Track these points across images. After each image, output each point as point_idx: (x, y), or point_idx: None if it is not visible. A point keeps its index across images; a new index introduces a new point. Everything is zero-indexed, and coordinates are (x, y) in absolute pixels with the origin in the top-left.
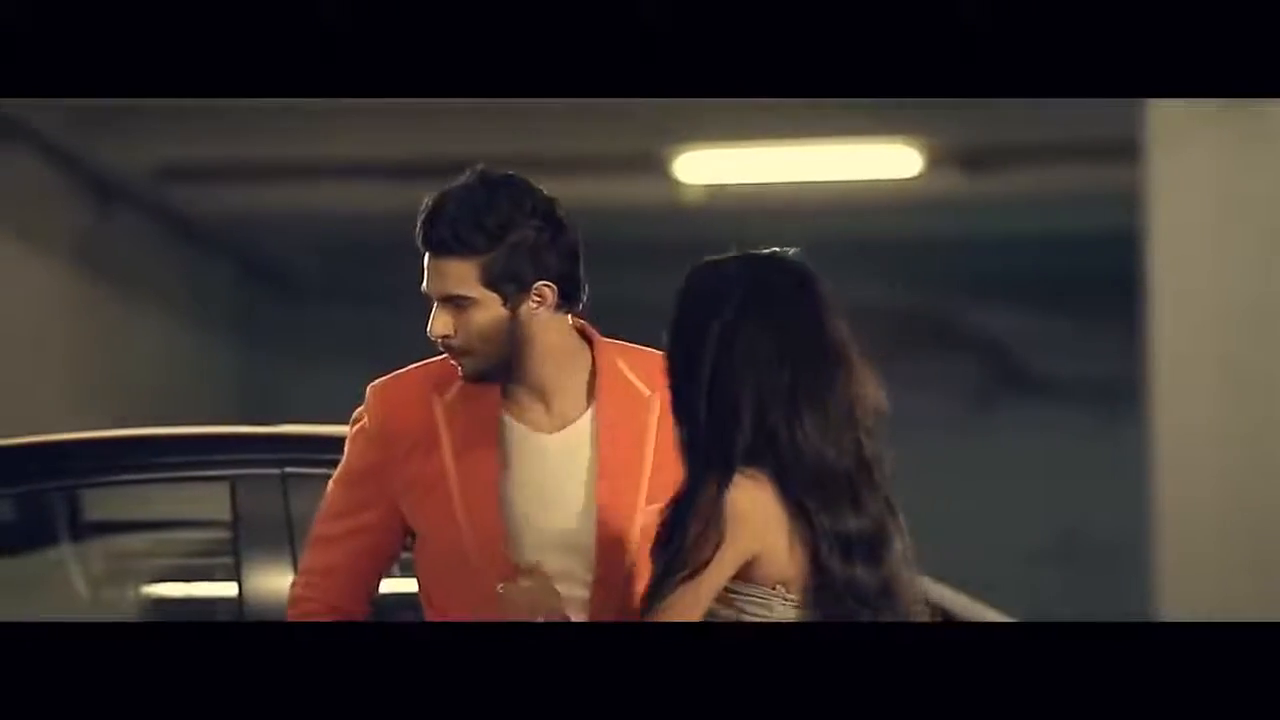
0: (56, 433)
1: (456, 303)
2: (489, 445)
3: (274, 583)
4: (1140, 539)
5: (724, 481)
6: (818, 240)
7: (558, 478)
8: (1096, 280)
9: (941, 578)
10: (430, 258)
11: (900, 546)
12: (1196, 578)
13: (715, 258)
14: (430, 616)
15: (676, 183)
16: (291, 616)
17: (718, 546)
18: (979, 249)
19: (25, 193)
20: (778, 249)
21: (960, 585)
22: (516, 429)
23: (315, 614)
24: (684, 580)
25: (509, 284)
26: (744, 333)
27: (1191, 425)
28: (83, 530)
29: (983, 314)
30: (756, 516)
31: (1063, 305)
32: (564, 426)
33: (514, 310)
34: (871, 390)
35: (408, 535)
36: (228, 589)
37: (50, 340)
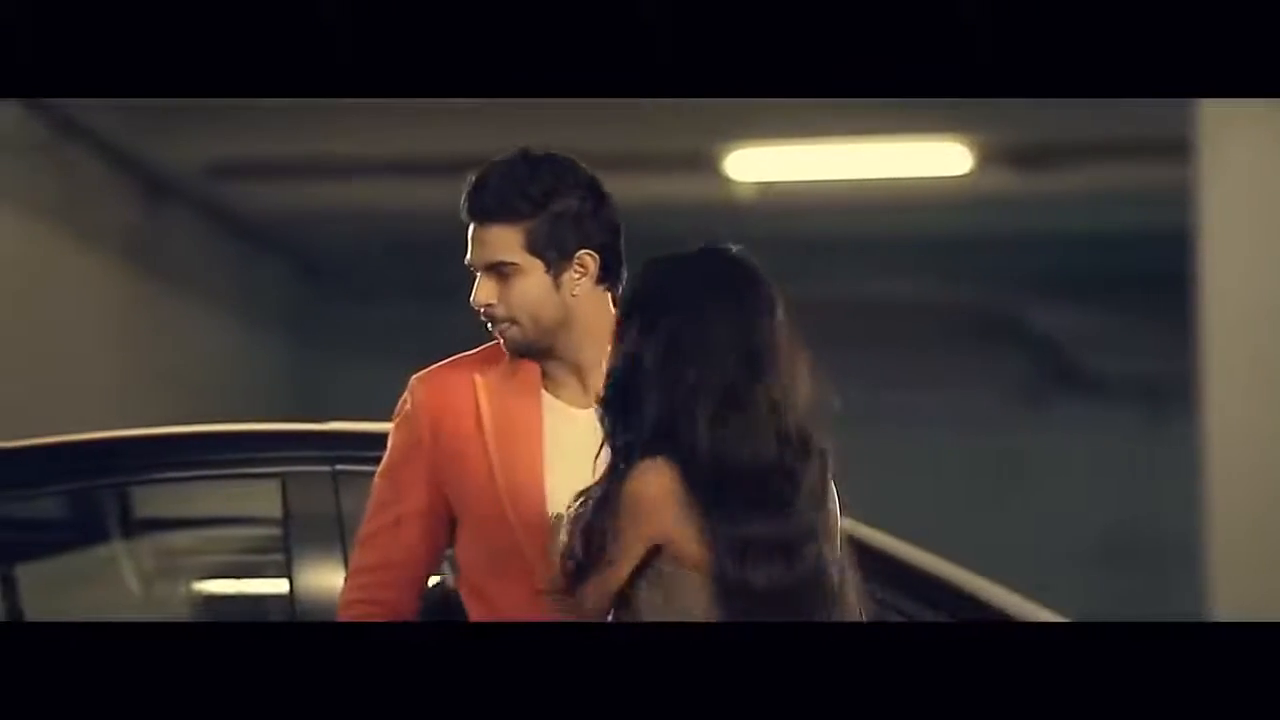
0: (108, 430)
1: (499, 270)
2: (531, 421)
3: (325, 580)
4: (1192, 538)
5: (625, 471)
6: (868, 238)
7: (588, 451)
8: (1147, 278)
9: (992, 577)
10: (474, 228)
11: (828, 552)
12: (1249, 577)
13: (664, 255)
14: (476, 611)
15: (728, 180)
16: (343, 619)
17: (616, 534)
18: (1029, 247)
19: (79, 190)
20: (727, 246)
21: (1010, 584)
22: (553, 404)
23: (368, 615)
24: (591, 568)
25: (552, 250)
26: (665, 329)
27: (1243, 424)
28: (134, 527)
29: (1033, 312)
30: (654, 505)
31: (1113, 303)
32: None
33: (557, 278)
34: (801, 396)
35: (452, 522)
36: (279, 586)
37: (102, 337)
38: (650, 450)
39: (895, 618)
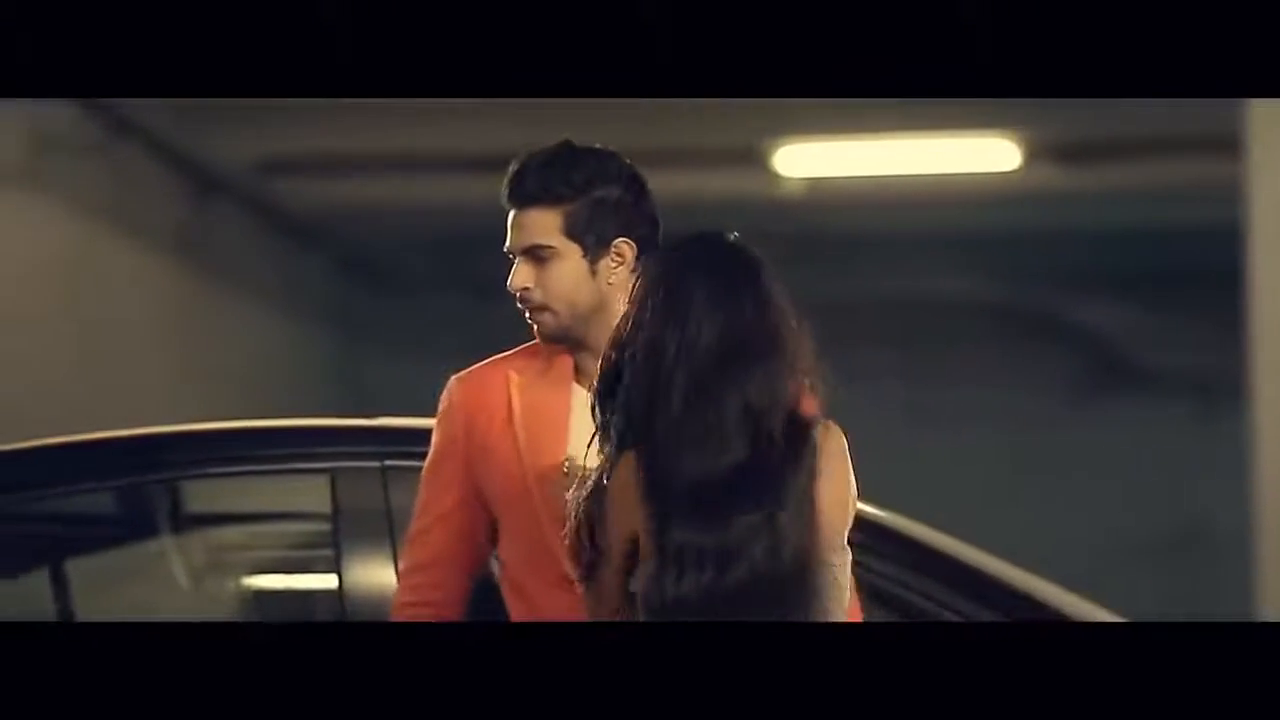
0: (158, 425)
1: (537, 253)
2: (559, 414)
3: (374, 576)
4: (1242, 536)
5: (610, 466)
6: (916, 234)
7: None
8: (1196, 275)
9: (1042, 574)
10: (514, 213)
11: (799, 552)
12: None
13: (665, 243)
14: (517, 609)
15: (776, 177)
16: (396, 621)
17: (604, 528)
18: (1077, 243)
19: (131, 189)
20: (723, 233)
21: (1059, 582)
22: (583, 397)
23: (419, 617)
24: (598, 560)
25: (590, 236)
26: (646, 319)
27: None
28: (183, 523)
29: (1081, 309)
30: (623, 499)
31: (1162, 300)
32: None
33: (593, 264)
34: (792, 391)
35: (493, 519)
36: (328, 581)
37: (152, 333)
38: (628, 442)
39: (951, 617)
